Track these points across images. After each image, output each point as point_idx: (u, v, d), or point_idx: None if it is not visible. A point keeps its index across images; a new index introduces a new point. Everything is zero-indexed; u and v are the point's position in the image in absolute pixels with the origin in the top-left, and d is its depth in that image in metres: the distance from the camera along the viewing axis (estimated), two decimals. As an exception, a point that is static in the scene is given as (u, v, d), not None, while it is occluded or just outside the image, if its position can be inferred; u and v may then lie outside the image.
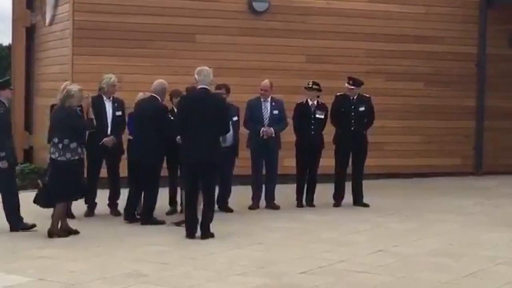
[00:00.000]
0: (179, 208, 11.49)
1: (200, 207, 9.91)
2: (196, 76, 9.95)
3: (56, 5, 15.13)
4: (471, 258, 8.79)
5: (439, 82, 16.19)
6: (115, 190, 11.59)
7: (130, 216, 10.90)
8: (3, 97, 10.26)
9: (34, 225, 10.22)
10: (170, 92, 11.89)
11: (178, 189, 11.52)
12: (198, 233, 9.81)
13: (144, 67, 14.27)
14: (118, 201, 11.58)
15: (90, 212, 11.42)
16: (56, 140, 9.78)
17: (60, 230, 9.84)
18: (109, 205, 11.61)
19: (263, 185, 12.23)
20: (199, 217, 9.86)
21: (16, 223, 10.16)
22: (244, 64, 14.62)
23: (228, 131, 10.33)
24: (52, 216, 9.88)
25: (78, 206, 11.08)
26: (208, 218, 9.84)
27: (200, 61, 14.44)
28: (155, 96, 10.91)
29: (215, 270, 8.13)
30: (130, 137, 11.53)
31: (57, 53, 15.03)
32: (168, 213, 11.54)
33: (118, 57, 14.06)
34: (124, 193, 11.40)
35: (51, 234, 9.76)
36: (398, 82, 15.85)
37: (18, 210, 10.22)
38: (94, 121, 10.35)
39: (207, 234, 9.77)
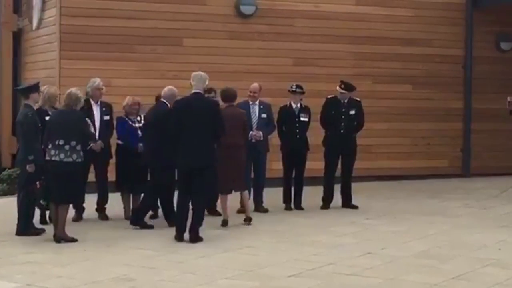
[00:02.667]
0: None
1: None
2: (191, 81, 10.13)
3: (43, 9, 15.10)
4: (459, 260, 8.82)
5: (426, 84, 16.24)
6: (103, 194, 11.57)
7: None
8: (31, 100, 10.26)
9: (43, 230, 10.23)
10: (157, 96, 11.89)
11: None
12: (186, 237, 9.80)
13: (132, 71, 14.26)
14: (106, 206, 11.57)
15: (78, 216, 11.38)
16: (61, 142, 9.76)
17: (66, 234, 9.81)
18: (97, 209, 11.59)
19: (251, 188, 12.23)
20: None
21: (23, 228, 10.11)
22: (232, 67, 14.62)
23: (223, 134, 10.30)
24: (55, 221, 9.86)
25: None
26: (198, 221, 9.86)
27: (188, 65, 14.52)
28: (163, 101, 10.97)
29: (204, 274, 8.12)
30: (119, 142, 11.52)
31: (44, 57, 15.00)
32: (151, 217, 11.56)
33: (105, 61, 14.05)
34: (111, 198, 11.40)
35: (58, 239, 9.73)
36: (386, 84, 15.88)
37: (31, 215, 10.20)
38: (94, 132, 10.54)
39: (196, 238, 9.77)
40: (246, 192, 11.28)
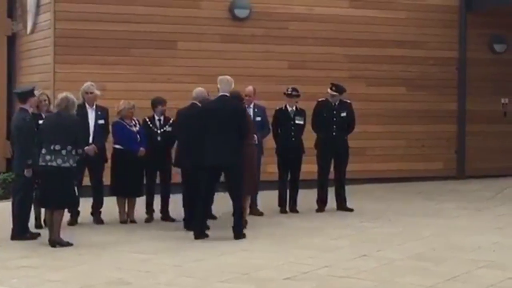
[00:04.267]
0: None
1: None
2: (218, 84, 10.57)
3: (37, 14, 15.10)
4: (454, 262, 8.84)
5: (420, 86, 16.27)
6: (98, 198, 11.58)
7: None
8: (28, 105, 10.28)
9: (39, 234, 10.23)
10: (152, 100, 11.93)
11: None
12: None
13: (126, 74, 14.27)
14: (101, 210, 11.58)
15: (73, 220, 11.39)
16: (57, 147, 9.74)
17: (61, 238, 9.82)
18: (92, 213, 11.60)
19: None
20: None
21: (19, 233, 10.12)
22: (226, 71, 14.40)
23: (247, 133, 10.55)
24: (50, 225, 9.87)
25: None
26: (239, 218, 10.25)
27: (182, 68, 14.59)
28: (195, 102, 11.15)
29: (199, 277, 8.13)
30: (117, 146, 11.53)
31: (38, 61, 15.00)
32: (146, 221, 11.59)
33: (100, 65, 14.05)
34: (106, 201, 11.43)
35: (54, 243, 9.73)
36: (380, 87, 15.91)
37: (26, 219, 10.20)
38: None
39: (240, 234, 10.17)
40: (249, 196, 11.32)
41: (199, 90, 11.33)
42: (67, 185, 9.81)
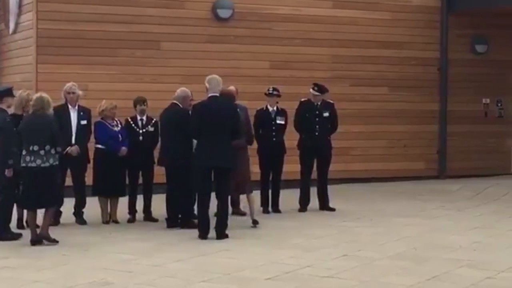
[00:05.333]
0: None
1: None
2: (206, 84, 10.45)
3: (19, 14, 15.06)
4: (434, 262, 8.90)
5: (403, 87, 16.35)
6: (81, 199, 11.56)
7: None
8: (5, 104, 10.26)
9: (20, 235, 10.20)
10: (134, 100, 11.92)
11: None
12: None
13: (109, 75, 14.26)
14: (84, 210, 11.57)
15: (56, 221, 11.35)
16: (35, 147, 9.73)
17: (49, 234, 9.86)
18: (74, 213, 11.58)
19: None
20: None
21: (0, 233, 10.06)
22: (209, 71, 14.43)
23: (239, 136, 10.61)
24: (32, 226, 9.91)
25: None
26: (224, 219, 10.26)
27: (165, 69, 14.59)
28: (175, 103, 11.22)
29: (181, 277, 8.14)
30: (99, 146, 11.53)
31: (21, 61, 14.96)
32: (129, 221, 11.59)
33: (82, 65, 14.03)
34: (89, 202, 11.42)
35: (40, 238, 9.78)
36: (363, 87, 15.99)
37: (8, 220, 10.18)
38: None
39: (222, 235, 10.17)
40: (251, 195, 11.38)
41: (180, 90, 11.36)
42: (49, 184, 9.79)
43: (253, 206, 11.42)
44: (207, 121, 10.20)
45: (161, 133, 11.47)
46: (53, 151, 9.82)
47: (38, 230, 9.91)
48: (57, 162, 9.91)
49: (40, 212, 10.12)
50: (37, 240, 9.81)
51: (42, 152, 9.76)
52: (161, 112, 11.44)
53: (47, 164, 9.76)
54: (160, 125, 11.51)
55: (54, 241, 9.81)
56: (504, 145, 17.27)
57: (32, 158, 9.76)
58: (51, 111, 10.09)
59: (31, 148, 9.76)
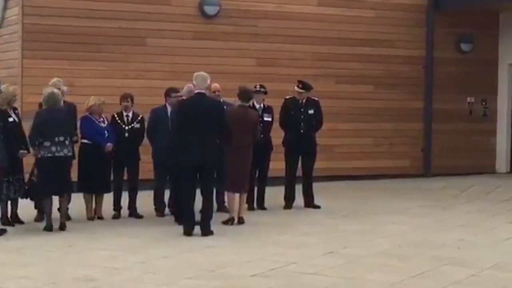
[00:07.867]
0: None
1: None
2: (193, 81, 10.50)
3: (5, 8, 14.98)
4: (419, 259, 8.93)
5: (388, 84, 16.40)
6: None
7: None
8: None
9: (5, 230, 10.17)
10: (121, 96, 11.89)
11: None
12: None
13: (95, 71, 14.22)
14: (68, 206, 11.51)
15: (40, 216, 11.32)
16: (61, 138, 10.40)
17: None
18: (59, 209, 11.52)
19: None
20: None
21: None
22: (196, 67, 14.40)
23: (228, 132, 10.57)
24: (48, 212, 10.44)
25: (28, 210, 11.03)
26: (209, 216, 10.27)
27: (151, 65, 14.56)
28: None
29: (166, 274, 8.14)
30: (84, 141, 11.50)
31: (6, 56, 14.89)
32: (114, 218, 11.58)
33: (68, 61, 13.99)
34: (73, 198, 11.39)
35: (63, 226, 10.51)
36: (348, 85, 16.01)
37: None
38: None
39: (208, 231, 10.19)
40: (244, 195, 11.37)
41: (186, 87, 11.42)
42: (68, 172, 10.67)
43: (243, 205, 11.40)
44: (192, 117, 10.19)
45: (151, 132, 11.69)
46: (70, 142, 10.60)
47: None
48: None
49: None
50: (52, 227, 10.33)
51: (67, 142, 10.50)
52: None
53: (70, 154, 10.61)
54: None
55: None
56: (488, 144, 17.36)
57: (59, 148, 10.40)
58: (61, 104, 10.66)
59: (56, 139, 10.36)
